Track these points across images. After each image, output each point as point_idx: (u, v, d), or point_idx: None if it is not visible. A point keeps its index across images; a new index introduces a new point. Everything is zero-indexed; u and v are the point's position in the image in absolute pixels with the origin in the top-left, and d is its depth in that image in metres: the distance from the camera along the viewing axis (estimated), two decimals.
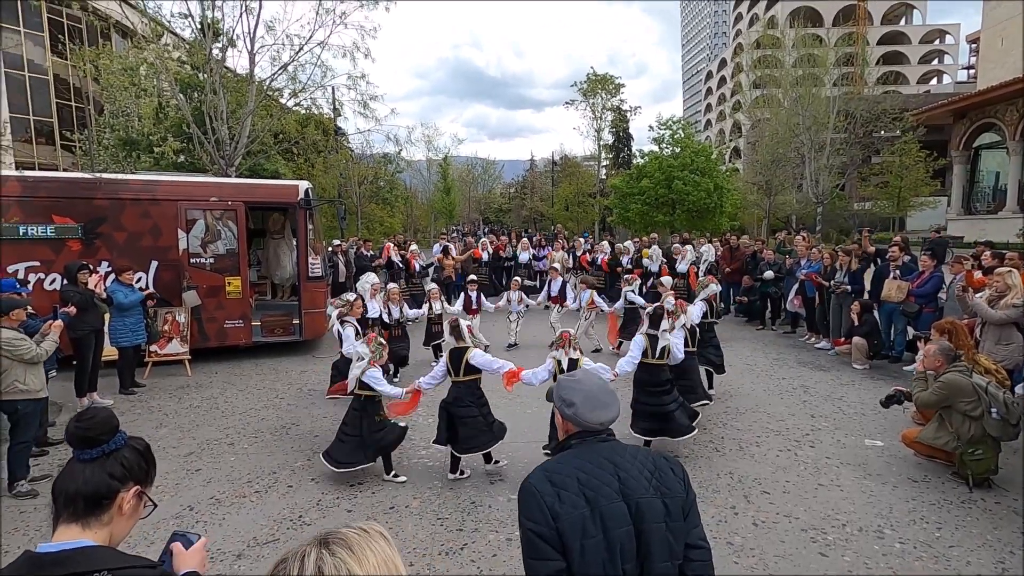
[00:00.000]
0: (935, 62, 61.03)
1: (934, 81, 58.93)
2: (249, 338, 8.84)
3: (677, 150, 22.24)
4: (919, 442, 4.56)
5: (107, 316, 6.90)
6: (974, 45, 47.08)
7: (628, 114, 37.02)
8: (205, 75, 13.61)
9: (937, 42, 60.93)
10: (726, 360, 8.28)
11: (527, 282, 13.43)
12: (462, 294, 9.19)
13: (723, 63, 72.70)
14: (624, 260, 11.98)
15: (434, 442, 4.77)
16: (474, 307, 8.91)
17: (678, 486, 1.63)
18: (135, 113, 16.19)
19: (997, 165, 23.37)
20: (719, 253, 12.34)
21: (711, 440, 5.41)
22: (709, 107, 78.83)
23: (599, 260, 12.33)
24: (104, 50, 14.59)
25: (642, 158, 23.94)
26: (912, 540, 3.68)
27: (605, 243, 13.21)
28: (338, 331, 6.40)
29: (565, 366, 4.60)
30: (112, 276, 7.41)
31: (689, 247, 11.77)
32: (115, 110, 15.21)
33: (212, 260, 8.57)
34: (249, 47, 13.62)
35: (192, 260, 8.46)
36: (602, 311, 8.89)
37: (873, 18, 58.32)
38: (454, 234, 25.98)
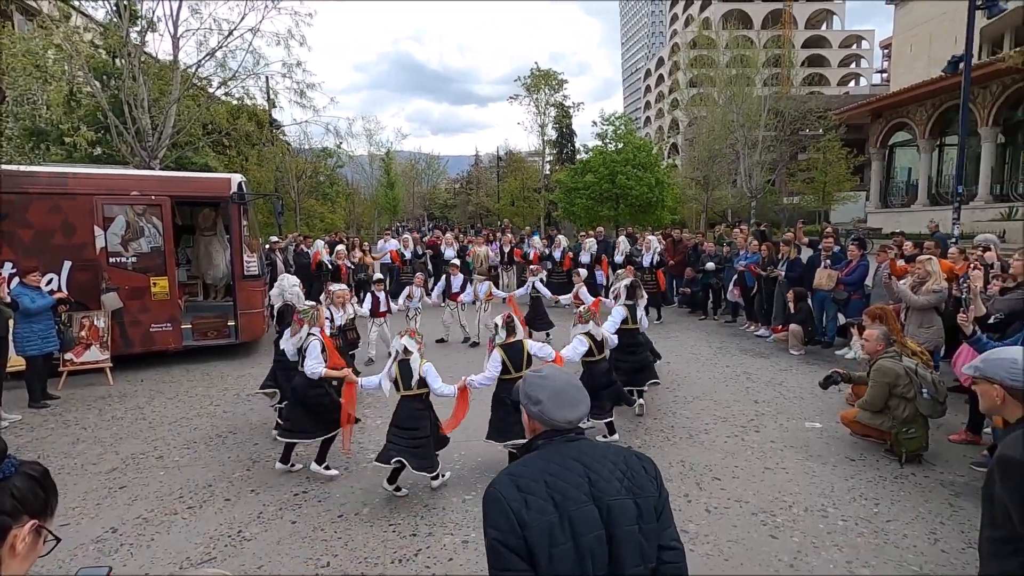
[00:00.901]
0: (853, 65, 65.18)
1: (852, 83, 63.00)
2: (179, 342, 8.26)
3: (620, 145, 22.66)
4: (857, 422, 4.77)
5: (11, 322, 6.23)
6: (887, 50, 50.66)
7: (571, 110, 37.40)
8: (122, 60, 12.58)
9: (854, 47, 65.13)
10: (672, 350, 8.52)
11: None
12: (368, 295, 8.54)
13: (661, 62, 74.89)
14: (584, 256, 12.11)
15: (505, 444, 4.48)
16: (382, 309, 8.37)
17: (650, 485, 1.55)
18: (43, 101, 14.80)
19: (909, 162, 25.22)
20: (663, 246, 12.64)
21: (662, 429, 5.49)
22: (648, 104, 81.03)
23: (558, 257, 12.23)
24: (3, 30, 13.24)
25: (586, 153, 24.23)
26: (853, 517, 3.84)
27: (561, 237, 13.11)
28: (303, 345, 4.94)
29: (599, 339, 5.03)
30: (16, 279, 6.71)
31: (623, 239, 12.25)
32: (18, 97, 13.80)
33: (135, 259, 7.94)
34: (172, 31, 12.71)
35: (112, 259, 7.80)
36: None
37: (798, 22, 61.61)
38: (401, 231, 25.44)
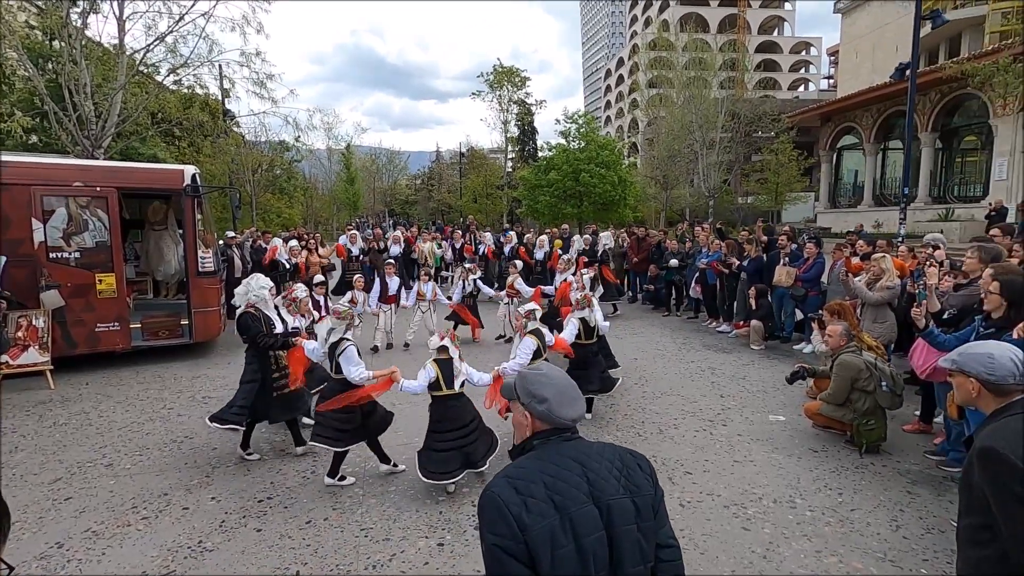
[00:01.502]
0: (802, 71, 67.81)
1: (802, 88, 65.52)
2: (127, 342, 7.80)
3: (583, 143, 22.85)
4: (820, 414, 4.93)
5: None
6: (833, 57, 52.96)
7: (533, 107, 37.53)
8: (62, 43, 11.80)
9: (804, 53, 67.75)
10: (638, 346, 8.64)
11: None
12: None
13: (621, 62, 75.96)
14: (540, 253, 12.16)
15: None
16: (323, 313, 8.10)
17: (646, 483, 1.54)
18: None
19: (855, 164, 26.36)
20: (627, 244, 12.83)
21: (632, 425, 5.53)
22: (609, 104, 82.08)
23: (541, 256, 12.17)
24: None
25: (549, 151, 24.34)
26: (820, 507, 3.95)
27: (544, 237, 13.02)
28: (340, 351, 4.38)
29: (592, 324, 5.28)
30: None
31: (577, 236, 12.85)
32: None
33: (78, 254, 7.44)
34: (117, 13, 12.01)
35: (52, 255, 7.29)
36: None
37: (751, 27, 63.61)
38: (362, 227, 24.91)
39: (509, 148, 38.18)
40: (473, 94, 33.72)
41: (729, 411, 5.88)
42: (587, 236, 13.43)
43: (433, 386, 4.15)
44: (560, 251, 11.62)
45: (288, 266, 10.52)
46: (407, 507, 4.02)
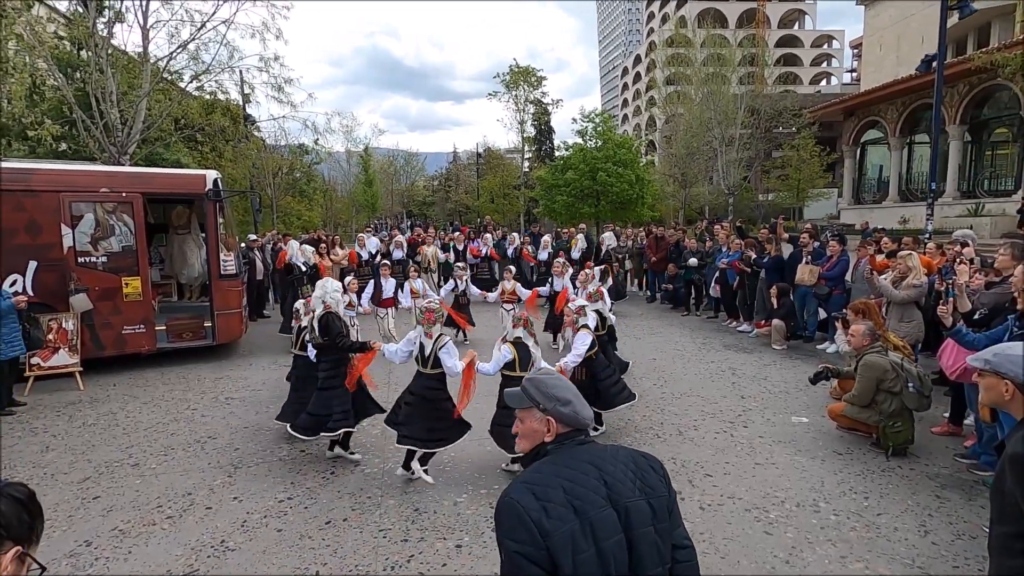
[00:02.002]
0: (824, 65, 66.53)
1: (824, 82, 64.26)
2: (153, 344, 7.98)
3: (600, 142, 22.70)
4: (844, 416, 4.82)
5: None
6: (856, 50, 51.87)
7: (550, 107, 37.40)
8: (89, 52, 12.11)
9: (826, 46, 66.46)
10: (657, 346, 8.57)
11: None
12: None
13: (638, 60, 75.40)
14: (543, 254, 12.17)
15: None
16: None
17: (660, 485, 1.54)
18: (4, 94, 14.21)
19: (880, 159, 25.78)
20: (645, 243, 12.74)
21: (651, 426, 5.48)
22: (626, 102, 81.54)
23: (545, 257, 12.11)
24: None
25: (566, 150, 24.24)
26: (845, 511, 3.86)
27: (547, 237, 13.07)
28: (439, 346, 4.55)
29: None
30: None
31: (581, 235, 12.84)
32: None
33: (105, 259, 7.63)
34: (141, 22, 12.28)
35: (80, 259, 7.49)
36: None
37: (771, 21, 62.57)
38: (380, 228, 25.12)
39: (526, 148, 38.10)
40: (489, 95, 33.70)
41: (750, 412, 5.78)
42: (579, 237, 13.31)
43: (508, 366, 4.47)
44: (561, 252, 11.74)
45: (304, 269, 10.13)
46: (425, 508, 4.04)
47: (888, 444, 4.50)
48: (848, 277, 8.12)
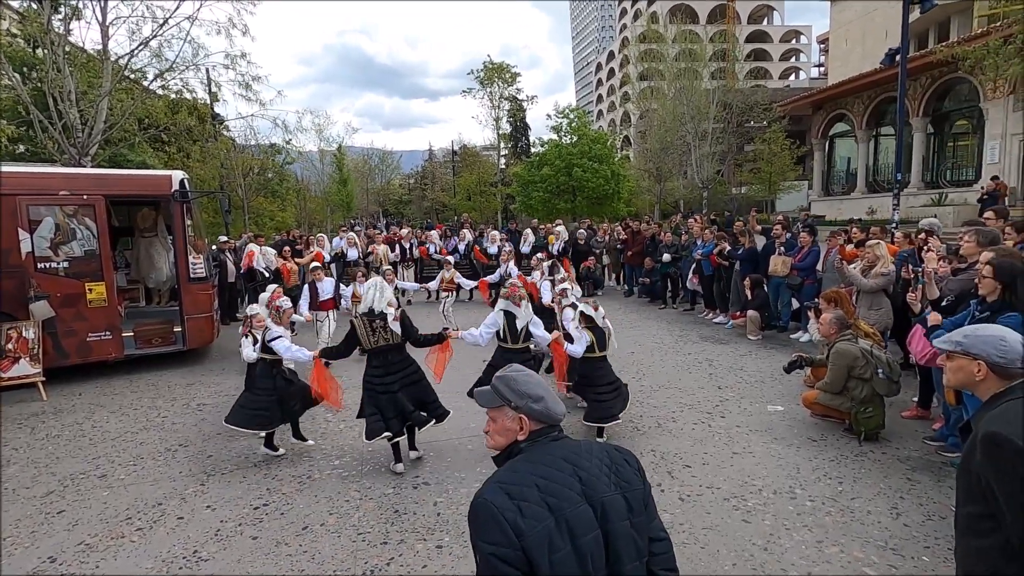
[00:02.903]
0: (793, 59, 67.81)
1: (792, 76, 65.53)
2: (120, 351, 7.73)
3: (575, 138, 22.78)
4: (818, 403, 4.90)
5: None
6: (824, 45, 52.88)
7: (525, 103, 37.39)
8: (45, 50, 11.66)
9: (794, 41, 67.76)
10: (635, 340, 8.62)
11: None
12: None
13: (611, 55, 75.85)
14: (526, 247, 12.32)
15: None
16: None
17: (635, 478, 1.54)
18: None
19: (848, 151, 26.39)
20: (621, 237, 12.81)
21: (631, 419, 5.49)
22: (600, 98, 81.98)
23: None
24: None
25: (542, 146, 24.25)
26: (820, 497, 3.93)
27: (528, 231, 13.25)
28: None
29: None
30: None
31: (561, 228, 13.23)
32: None
33: (67, 264, 7.36)
34: (100, 18, 11.87)
35: (40, 265, 7.20)
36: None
37: (741, 17, 63.49)
38: (357, 227, 24.75)
39: (502, 145, 38.04)
40: (464, 91, 33.53)
41: (727, 402, 5.85)
42: (581, 231, 13.45)
43: (588, 348, 5.02)
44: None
45: (267, 275, 9.60)
46: (405, 510, 3.98)
47: (860, 429, 4.60)
48: (819, 267, 8.27)
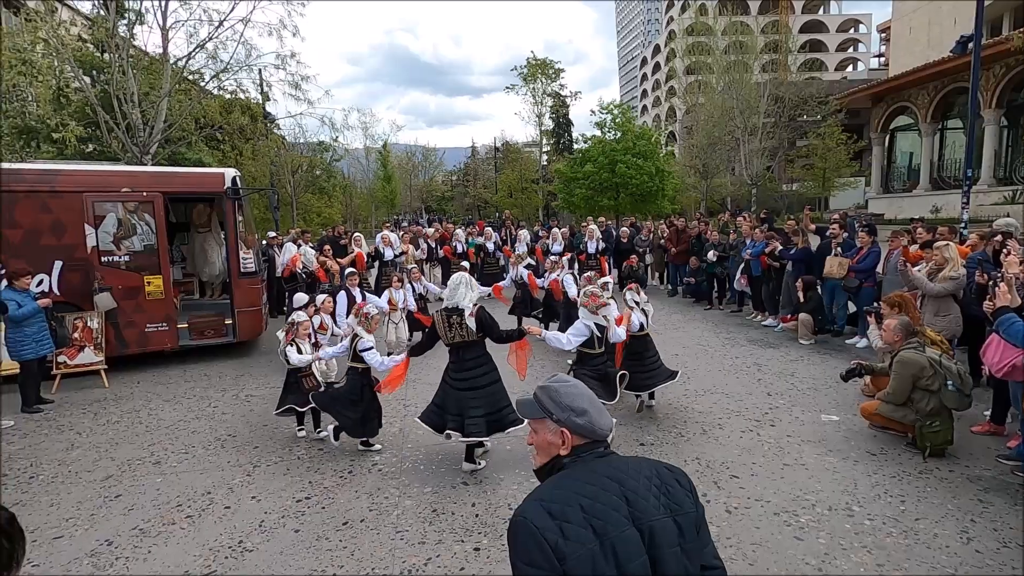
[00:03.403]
0: (850, 50, 64.68)
1: (850, 68, 62.50)
2: (175, 342, 8.06)
3: (619, 134, 22.38)
4: (878, 414, 4.62)
5: (2, 326, 6.03)
6: (884, 34, 50.17)
7: (568, 99, 37.06)
8: (111, 54, 12.29)
9: (852, 31, 64.60)
10: (679, 341, 8.39)
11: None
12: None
13: (657, 49, 74.27)
14: (556, 247, 12.08)
15: None
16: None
17: (687, 501, 1.42)
18: (31, 97, 14.53)
19: (910, 146, 24.98)
20: (665, 235, 12.50)
21: (674, 425, 5.33)
22: (645, 93, 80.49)
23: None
24: None
25: (584, 143, 23.94)
26: (880, 515, 3.68)
27: (557, 231, 13.02)
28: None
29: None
30: (5, 281, 6.50)
31: (556, 230, 12.88)
32: (7, 94, 13.51)
33: (128, 258, 7.72)
34: (160, 23, 12.41)
35: (104, 259, 7.58)
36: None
37: (795, 7, 60.98)
38: (401, 223, 25.16)
39: (544, 141, 37.86)
40: (507, 88, 33.55)
41: (777, 410, 5.59)
42: (625, 229, 13.23)
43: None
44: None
45: (305, 276, 9.36)
46: (443, 509, 3.97)
47: (925, 444, 4.29)
48: (879, 269, 7.83)
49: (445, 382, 4.61)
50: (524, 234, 12.86)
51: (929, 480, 4.10)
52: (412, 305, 8.20)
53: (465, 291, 4.48)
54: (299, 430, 5.36)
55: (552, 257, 9.48)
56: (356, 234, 11.41)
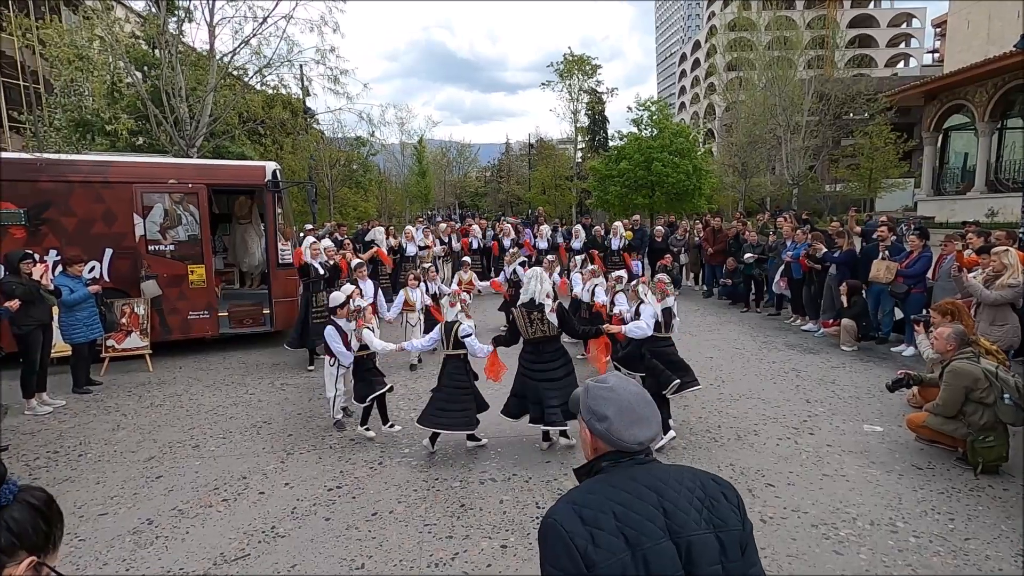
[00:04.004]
0: (902, 45, 62.02)
1: (901, 64, 60.02)
2: (215, 330, 8.32)
3: (656, 132, 22.01)
4: (926, 427, 4.41)
5: (55, 309, 6.33)
6: (939, 29, 47.95)
7: (604, 96, 36.64)
8: (160, 50, 12.73)
9: (904, 25, 61.93)
10: (714, 344, 8.19)
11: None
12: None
13: (697, 45, 72.72)
14: (577, 243, 12.07)
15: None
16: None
17: (733, 517, 1.33)
18: (87, 92, 15.19)
19: (965, 146, 23.77)
20: (701, 235, 12.23)
21: (708, 429, 5.21)
22: (683, 90, 78.98)
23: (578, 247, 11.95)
24: (51, 23, 13.54)
25: (620, 140, 23.63)
26: (926, 533, 3.51)
27: (579, 227, 13.03)
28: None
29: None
30: (60, 267, 6.82)
31: (578, 226, 12.90)
32: (64, 88, 14.15)
33: (173, 247, 8.00)
34: (208, 19, 12.79)
35: (151, 247, 7.88)
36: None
37: (844, 2, 58.75)
38: (435, 218, 25.39)
39: (579, 138, 37.55)
40: (543, 84, 33.43)
41: (816, 418, 5.40)
42: (659, 228, 13.01)
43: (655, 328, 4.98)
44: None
45: (323, 271, 8.59)
46: (471, 505, 3.97)
47: (977, 460, 4.07)
48: (929, 275, 7.47)
49: (522, 373, 4.80)
50: (546, 229, 13.07)
51: (981, 498, 3.89)
52: (428, 300, 7.91)
53: (537, 284, 4.63)
54: (366, 430, 5.12)
55: (549, 257, 9.17)
56: (377, 227, 11.18)
